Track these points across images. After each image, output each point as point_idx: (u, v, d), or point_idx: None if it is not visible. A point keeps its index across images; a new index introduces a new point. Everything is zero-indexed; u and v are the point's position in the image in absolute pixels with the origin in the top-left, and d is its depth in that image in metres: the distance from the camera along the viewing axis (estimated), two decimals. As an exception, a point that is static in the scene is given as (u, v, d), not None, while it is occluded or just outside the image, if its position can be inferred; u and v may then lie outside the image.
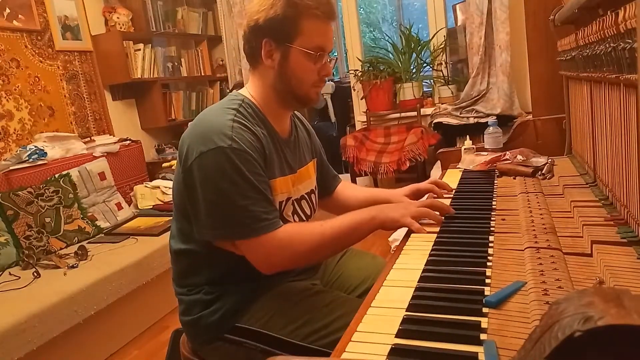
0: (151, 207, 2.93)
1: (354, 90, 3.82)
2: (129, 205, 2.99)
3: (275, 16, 1.00)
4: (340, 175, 1.45)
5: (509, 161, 1.50)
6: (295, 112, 1.25)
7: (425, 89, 3.66)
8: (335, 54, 6.10)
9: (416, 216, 1.06)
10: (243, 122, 1.01)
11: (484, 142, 1.86)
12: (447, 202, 1.20)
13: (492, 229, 1.01)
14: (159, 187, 3.01)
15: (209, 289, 1.06)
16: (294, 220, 1.13)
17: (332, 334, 0.96)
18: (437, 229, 1.04)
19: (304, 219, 1.17)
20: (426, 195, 1.34)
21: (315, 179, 1.26)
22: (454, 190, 1.35)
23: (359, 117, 3.81)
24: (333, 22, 1.05)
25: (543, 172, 1.39)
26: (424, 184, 1.35)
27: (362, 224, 1.03)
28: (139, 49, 3.41)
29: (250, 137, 0.99)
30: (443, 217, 1.09)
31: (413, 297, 0.75)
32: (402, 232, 1.10)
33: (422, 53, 3.55)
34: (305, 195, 1.18)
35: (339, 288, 1.22)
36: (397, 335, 0.66)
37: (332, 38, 1.07)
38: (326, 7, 1.02)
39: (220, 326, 1.05)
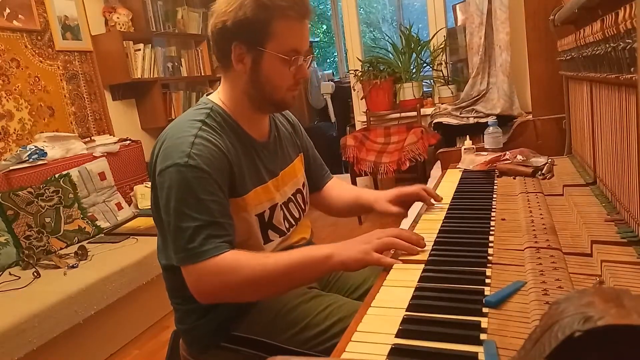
0: (151, 207, 2.93)
1: (354, 90, 3.82)
2: (129, 205, 2.99)
3: (244, 18, 0.93)
4: (340, 175, 1.44)
5: (509, 161, 1.50)
6: None
7: (425, 89, 3.66)
8: (335, 54, 6.10)
9: (381, 249, 0.92)
10: (207, 136, 0.94)
11: (484, 142, 1.86)
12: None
13: (492, 229, 1.01)
14: (159, 187, 3.01)
15: None
16: (285, 227, 1.09)
17: (331, 339, 0.94)
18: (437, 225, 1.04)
19: (293, 223, 1.12)
20: (416, 203, 1.26)
21: (301, 177, 1.20)
22: (449, 201, 1.25)
23: (359, 117, 3.81)
24: (308, 20, 0.98)
25: (543, 172, 1.39)
26: (410, 188, 1.23)
27: (314, 262, 0.91)
28: (139, 49, 3.41)
29: (213, 153, 0.93)
30: (416, 247, 0.94)
31: (413, 297, 0.75)
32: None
33: (422, 53, 3.55)
34: (292, 197, 1.14)
35: (339, 290, 1.19)
36: (397, 335, 0.66)
37: (307, 37, 1.00)
38: (300, 6, 0.95)
39: (216, 335, 1.03)
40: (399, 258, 0.92)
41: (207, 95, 1.08)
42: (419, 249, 0.94)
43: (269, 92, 1.00)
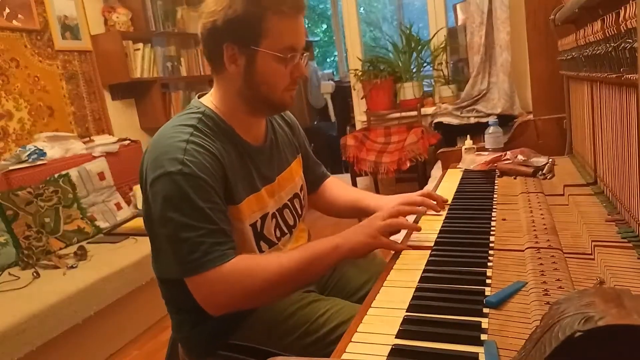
0: (151, 207, 2.93)
1: (354, 90, 3.82)
2: (129, 205, 2.99)
3: (235, 17, 0.88)
4: (340, 175, 1.43)
5: (510, 161, 1.49)
6: None
7: (425, 89, 3.67)
8: (335, 53, 6.10)
9: (387, 231, 0.95)
10: (200, 141, 0.90)
11: (484, 141, 1.85)
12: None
13: (492, 229, 1.01)
14: (158, 187, 3.00)
15: (198, 309, 0.92)
16: (276, 237, 1.05)
17: (331, 345, 0.89)
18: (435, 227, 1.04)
19: (286, 231, 1.08)
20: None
21: (299, 180, 1.17)
22: (449, 201, 1.24)
23: (359, 117, 3.81)
24: (302, 15, 0.93)
25: (544, 172, 1.39)
26: (415, 198, 1.17)
27: (324, 254, 0.92)
28: (139, 49, 3.40)
29: (207, 159, 0.89)
30: (418, 225, 1.00)
31: (413, 298, 0.75)
32: (402, 232, 1.09)
33: (423, 52, 3.56)
34: (288, 203, 1.10)
35: (339, 292, 1.15)
36: (398, 336, 0.65)
37: (303, 33, 0.95)
38: (293, 0, 0.90)
39: (211, 343, 1.01)
40: (407, 244, 0.98)
41: (198, 97, 1.03)
42: (423, 231, 1.00)
43: (266, 94, 0.95)
